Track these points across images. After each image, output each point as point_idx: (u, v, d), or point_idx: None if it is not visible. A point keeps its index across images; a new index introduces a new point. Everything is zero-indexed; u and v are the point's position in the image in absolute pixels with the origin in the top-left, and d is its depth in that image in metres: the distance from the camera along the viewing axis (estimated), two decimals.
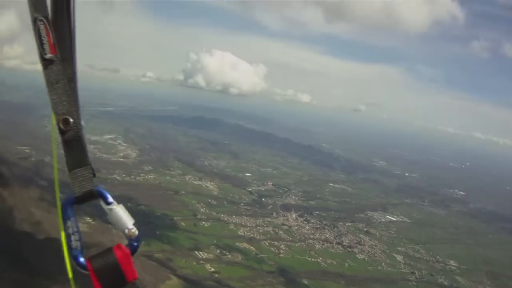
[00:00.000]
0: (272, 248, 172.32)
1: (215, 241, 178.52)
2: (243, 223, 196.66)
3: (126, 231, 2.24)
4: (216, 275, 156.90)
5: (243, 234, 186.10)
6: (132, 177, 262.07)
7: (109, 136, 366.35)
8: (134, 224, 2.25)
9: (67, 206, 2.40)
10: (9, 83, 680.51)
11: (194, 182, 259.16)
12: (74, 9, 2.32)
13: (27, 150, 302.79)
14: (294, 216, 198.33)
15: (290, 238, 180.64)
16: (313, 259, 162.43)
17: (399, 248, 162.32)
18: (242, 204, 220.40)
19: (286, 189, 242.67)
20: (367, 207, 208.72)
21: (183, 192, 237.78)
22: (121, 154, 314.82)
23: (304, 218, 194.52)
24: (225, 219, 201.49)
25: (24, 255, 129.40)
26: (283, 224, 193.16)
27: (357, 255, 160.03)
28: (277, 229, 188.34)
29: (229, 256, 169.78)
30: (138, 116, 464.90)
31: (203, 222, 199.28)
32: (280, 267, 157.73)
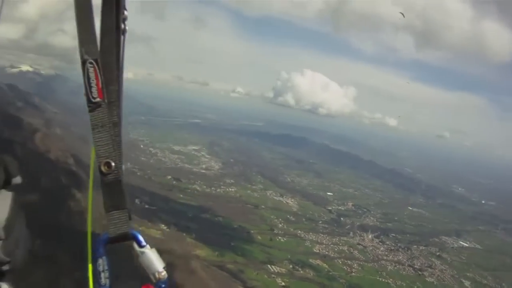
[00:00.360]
0: (344, 267, 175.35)
1: (289, 256, 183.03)
2: (319, 241, 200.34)
3: (156, 274, 2.38)
4: None
5: (318, 251, 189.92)
6: (212, 188, 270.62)
7: (194, 147, 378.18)
8: (164, 268, 2.41)
9: (100, 245, 2.52)
10: None
11: (275, 197, 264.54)
12: (123, 54, 2.49)
13: None
14: (370, 236, 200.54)
15: (364, 258, 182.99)
16: (383, 280, 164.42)
17: (468, 274, 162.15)
18: (320, 222, 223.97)
19: (365, 210, 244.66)
20: (441, 232, 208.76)
21: (263, 206, 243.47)
22: (204, 166, 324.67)
23: (380, 240, 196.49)
24: (302, 235, 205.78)
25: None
26: (359, 244, 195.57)
27: (427, 279, 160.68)
28: (352, 249, 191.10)
29: (301, 271, 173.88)
30: (224, 130, 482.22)
31: (280, 237, 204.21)
32: (350, 286, 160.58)
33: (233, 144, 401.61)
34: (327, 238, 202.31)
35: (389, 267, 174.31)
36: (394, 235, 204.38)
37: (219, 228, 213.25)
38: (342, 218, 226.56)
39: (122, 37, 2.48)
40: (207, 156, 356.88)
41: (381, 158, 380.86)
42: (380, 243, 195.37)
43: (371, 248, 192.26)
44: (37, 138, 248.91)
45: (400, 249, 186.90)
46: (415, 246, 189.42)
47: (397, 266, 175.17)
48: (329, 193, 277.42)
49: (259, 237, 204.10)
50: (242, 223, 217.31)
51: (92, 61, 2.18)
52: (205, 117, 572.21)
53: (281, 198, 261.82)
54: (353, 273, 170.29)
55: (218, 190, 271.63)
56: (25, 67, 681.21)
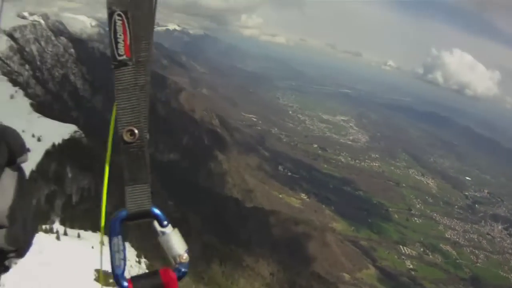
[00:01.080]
0: (471, 256, 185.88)
1: (421, 239, 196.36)
2: (452, 226, 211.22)
3: (178, 257, 2.05)
4: (413, 273, 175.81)
5: (449, 236, 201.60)
6: (357, 161, 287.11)
7: (342, 118, 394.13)
8: (186, 251, 2.07)
9: (117, 222, 2.06)
10: (245, 51, 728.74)
11: (417, 176, 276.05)
12: (156, 8, 2.12)
13: (254, 119, 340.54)
14: (500, 227, 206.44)
15: (490, 249, 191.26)
16: (504, 274, 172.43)
17: None
18: (456, 206, 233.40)
19: (499, 199, 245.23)
20: None
21: (403, 184, 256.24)
22: (351, 137, 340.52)
23: (508, 232, 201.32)
24: (437, 218, 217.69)
25: (226, 220, 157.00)
26: (488, 234, 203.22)
27: None
28: (481, 238, 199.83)
29: (430, 256, 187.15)
30: (373, 102, 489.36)
31: (416, 218, 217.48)
32: (473, 276, 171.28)
33: (381, 118, 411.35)
34: (460, 224, 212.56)
35: None
36: None
37: (358, 202, 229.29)
38: (476, 205, 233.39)
39: None
40: (355, 127, 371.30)
41: None
42: (508, 235, 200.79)
43: (498, 239, 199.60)
44: (182, 97, 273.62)
45: None
46: None
47: None
48: (467, 178, 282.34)
49: (396, 215, 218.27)
50: (381, 200, 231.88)
51: (121, 13, 1.95)
52: (355, 87, 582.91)
53: (422, 178, 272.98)
54: (478, 264, 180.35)
55: (363, 163, 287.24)
56: (172, 26, 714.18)
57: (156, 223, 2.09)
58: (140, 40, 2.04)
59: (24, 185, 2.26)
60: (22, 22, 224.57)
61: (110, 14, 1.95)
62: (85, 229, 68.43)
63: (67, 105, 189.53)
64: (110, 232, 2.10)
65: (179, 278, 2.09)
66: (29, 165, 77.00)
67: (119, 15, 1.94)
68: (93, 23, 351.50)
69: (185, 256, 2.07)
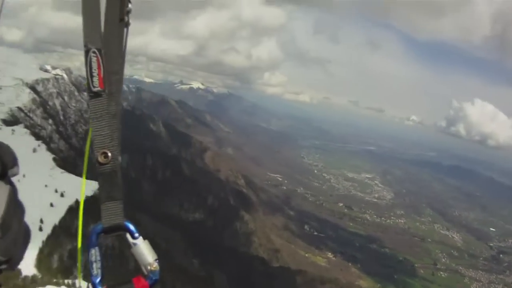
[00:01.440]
0: None
1: None
2: (477, 278, 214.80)
3: (148, 266, 2.34)
4: None
5: None
6: (382, 219, 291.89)
7: (367, 175, 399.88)
8: (156, 260, 2.36)
9: (94, 235, 2.51)
10: (269, 110, 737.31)
11: (442, 231, 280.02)
12: (126, 47, 2.57)
13: (279, 178, 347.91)
14: None
15: None
16: None
17: None
18: (481, 258, 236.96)
19: None
20: None
21: (429, 240, 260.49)
22: (376, 195, 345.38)
23: None
24: (462, 271, 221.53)
25: (252, 280, 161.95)
26: None
27: None
28: None
29: None
30: (398, 159, 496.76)
31: (441, 272, 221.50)
32: None
33: (405, 174, 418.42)
34: (485, 275, 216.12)
35: None
36: None
37: (384, 259, 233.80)
38: (501, 255, 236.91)
39: (125, 29, 2.60)
40: (380, 185, 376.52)
41: None
42: None
43: None
44: (207, 157, 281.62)
45: None
46: None
47: None
48: (492, 229, 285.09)
49: (421, 271, 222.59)
50: (407, 256, 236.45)
51: (96, 50, 2.29)
52: (379, 144, 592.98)
53: (447, 232, 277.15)
54: None
55: (388, 220, 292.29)
56: (196, 84, 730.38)
57: (128, 236, 2.45)
58: (112, 74, 2.46)
59: (15, 199, 2.41)
60: (45, 75, 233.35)
61: (86, 51, 2.32)
62: None
63: (91, 162, 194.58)
64: (88, 244, 2.54)
65: (151, 285, 2.38)
66: (52, 220, 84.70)
67: (94, 52, 2.32)
68: None
69: (155, 265, 2.35)
